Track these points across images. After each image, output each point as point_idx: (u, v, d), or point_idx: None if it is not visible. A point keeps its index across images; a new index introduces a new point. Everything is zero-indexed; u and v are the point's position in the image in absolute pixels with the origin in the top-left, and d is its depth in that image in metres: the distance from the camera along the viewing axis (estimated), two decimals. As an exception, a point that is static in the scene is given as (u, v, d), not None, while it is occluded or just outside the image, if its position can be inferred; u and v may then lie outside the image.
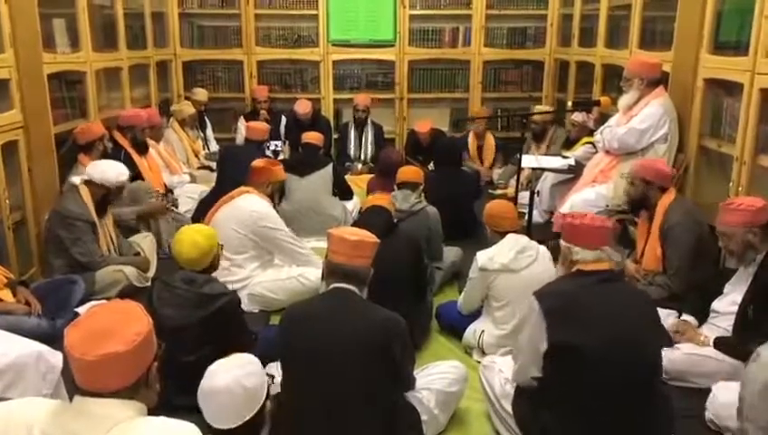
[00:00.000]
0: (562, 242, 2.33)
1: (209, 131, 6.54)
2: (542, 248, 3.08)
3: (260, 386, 1.70)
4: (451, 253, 4.00)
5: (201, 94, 6.40)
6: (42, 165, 3.80)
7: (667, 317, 2.99)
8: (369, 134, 6.48)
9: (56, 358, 2.39)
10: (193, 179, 5.49)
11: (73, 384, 1.39)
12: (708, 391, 2.57)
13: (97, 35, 4.69)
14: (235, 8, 6.66)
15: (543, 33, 6.81)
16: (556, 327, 2.11)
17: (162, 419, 1.41)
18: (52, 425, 1.35)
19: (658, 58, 4.06)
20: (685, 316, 3.02)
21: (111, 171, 3.63)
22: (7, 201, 3.48)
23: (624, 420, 2.12)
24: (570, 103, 5.07)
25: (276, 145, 6.10)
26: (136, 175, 4.50)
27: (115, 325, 1.38)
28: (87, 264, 3.54)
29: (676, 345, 2.81)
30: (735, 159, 3.33)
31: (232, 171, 3.97)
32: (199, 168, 5.90)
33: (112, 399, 1.37)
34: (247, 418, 1.67)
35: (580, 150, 4.80)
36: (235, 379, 1.67)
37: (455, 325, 3.31)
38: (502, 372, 2.51)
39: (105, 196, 3.63)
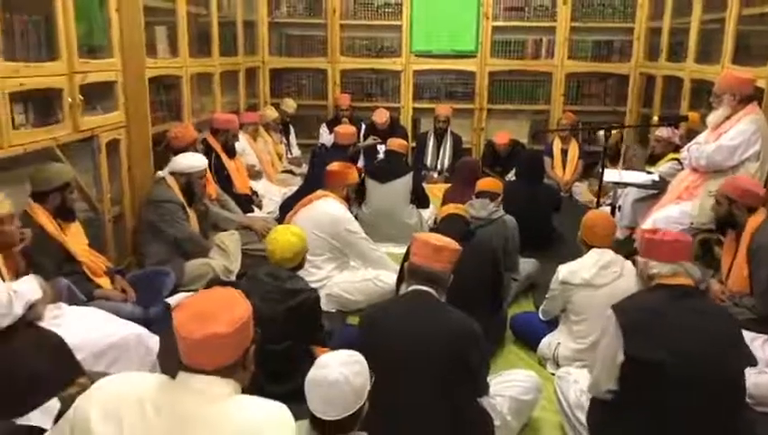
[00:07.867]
0: (639, 257, 2.31)
1: (292, 137, 6.75)
2: (629, 264, 3.00)
3: (364, 385, 1.79)
4: (528, 265, 3.98)
5: (290, 105, 6.62)
6: (140, 162, 4.04)
7: (753, 341, 2.88)
8: (447, 144, 6.52)
9: (153, 341, 2.55)
10: (277, 183, 5.67)
11: (177, 362, 1.51)
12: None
13: (193, 42, 4.93)
14: (321, 18, 6.86)
15: (629, 47, 6.69)
16: (633, 341, 2.10)
17: (258, 398, 1.51)
18: (161, 398, 1.47)
19: (752, 73, 3.92)
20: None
21: (190, 160, 3.91)
22: (109, 195, 3.72)
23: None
24: (656, 118, 4.95)
25: (375, 138, 6.22)
26: (225, 177, 4.71)
27: (219, 309, 1.49)
28: (185, 241, 3.75)
29: (764, 368, 2.71)
30: (833, 179, 3.20)
31: (320, 172, 4.12)
32: (282, 171, 6.10)
33: (212, 376, 1.47)
34: (348, 413, 1.75)
35: (665, 166, 4.68)
36: (346, 375, 1.75)
37: (529, 337, 3.31)
38: (577, 383, 2.51)
39: (188, 183, 3.86)
